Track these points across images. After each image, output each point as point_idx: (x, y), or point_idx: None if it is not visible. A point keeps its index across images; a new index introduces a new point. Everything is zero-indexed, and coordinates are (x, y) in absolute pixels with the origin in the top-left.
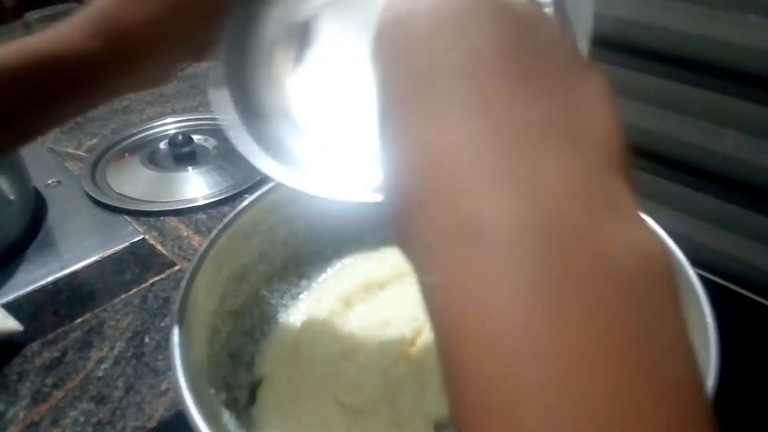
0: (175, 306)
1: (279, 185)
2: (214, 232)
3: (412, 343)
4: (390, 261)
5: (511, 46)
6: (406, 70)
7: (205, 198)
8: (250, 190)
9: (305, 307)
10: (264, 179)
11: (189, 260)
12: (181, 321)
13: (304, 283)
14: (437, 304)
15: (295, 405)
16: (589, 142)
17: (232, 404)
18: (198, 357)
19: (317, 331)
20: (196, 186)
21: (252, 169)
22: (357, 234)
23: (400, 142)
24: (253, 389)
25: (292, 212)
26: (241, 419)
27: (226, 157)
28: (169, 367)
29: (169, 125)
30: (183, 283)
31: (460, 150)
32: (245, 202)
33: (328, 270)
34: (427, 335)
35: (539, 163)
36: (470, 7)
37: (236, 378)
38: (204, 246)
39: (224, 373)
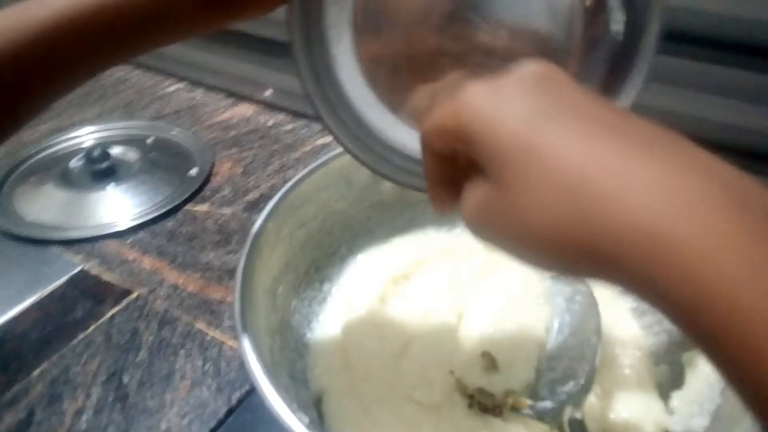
0: (242, 331)
1: (291, 189)
2: (246, 247)
3: (458, 327)
4: (404, 250)
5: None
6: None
7: (138, 216)
8: (188, 202)
9: (337, 311)
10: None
11: (144, 285)
12: (253, 345)
13: (326, 286)
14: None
15: (367, 414)
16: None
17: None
18: (274, 381)
19: (361, 334)
20: (122, 204)
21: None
22: (366, 228)
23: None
24: (317, 406)
25: (306, 214)
26: None
27: (152, 171)
28: (163, 404)
29: (77, 139)
30: (238, 306)
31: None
32: (265, 211)
33: (347, 269)
34: (469, 316)
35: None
36: (542, 75)
37: (301, 398)
38: (242, 265)
39: (295, 397)
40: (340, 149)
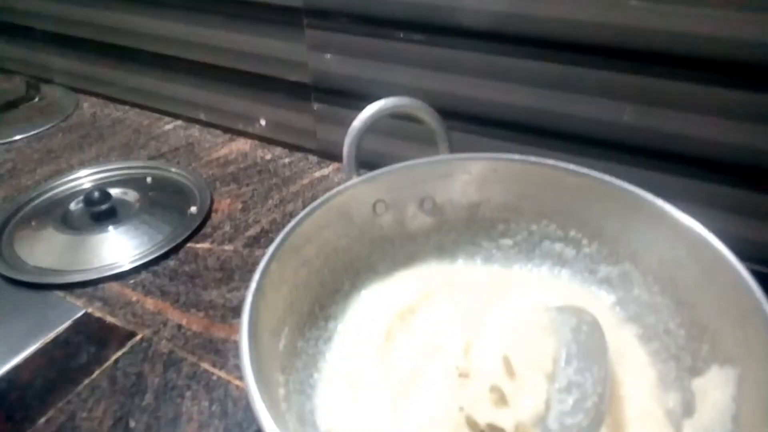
0: (250, 378)
1: (293, 229)
2: (250, 291)
3: (466, 361)
4: (407, 283)
5: None
6: None
7: (139, 256)
8: (189, 240)
9: (344, 349)
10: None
11: (148, 326)
12: (261, 391)
13: (331, 324)
14: None
15: None
16: None
17: None
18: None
19: (368, 372)
20: (123, 245)
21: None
22: (368, 264)
23: None
24: None
25: (308, 253)
26: None
27: (151, 210)
28: None
29: (77, 181)
30: (244, 350)
31: None
32: (269, 252)
33: (351, 306)
34: (476, 349)
35: None
36: None
37: None
38: (247, 308)
39: None
40: (340, 186)
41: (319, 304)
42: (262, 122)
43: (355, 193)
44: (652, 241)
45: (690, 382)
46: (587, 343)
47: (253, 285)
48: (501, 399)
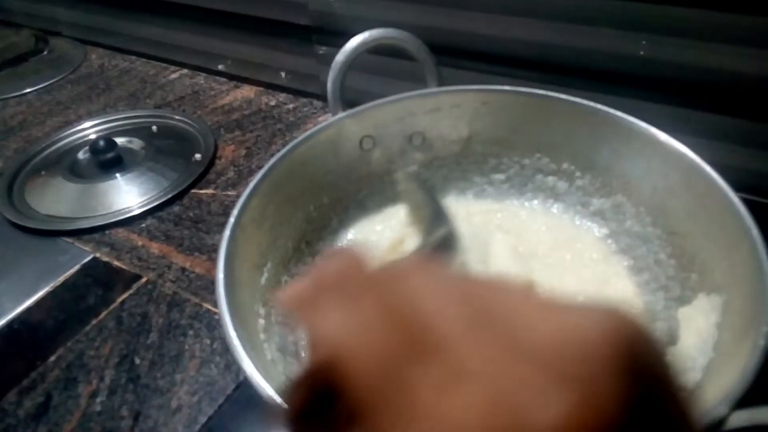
0: (224, 310)
1: (274, 165)
2: (229, 225)
3: None
4: (392, 216)
5: None
6: None
7: (145, 203)
8: (193, 186)
9: None
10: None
11: (153, 269)
12: (234, 320)
13: (318, 260)
14: None
15: None
16: None
17: None
18: (260, 358)
19: None
20: (130, 192)
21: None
22: (357, 200)
23: None
24: None
25: (293, 189)
26: None
27: (157, 158)
28: (173, 383)
29: (84, 132)
30: (220, 282)
31: None
32: (249, 188)
33: (340, 242)
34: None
35: None
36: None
37: (292, 371)
38: (225, 241)
39: (283, 369)
40: (324, 122)
41: (306, 240)
42: (269, 69)
43: (340, 129)
44: (644, 171)
45: (676, 312)
46: None
47: (231, 220)
48: None
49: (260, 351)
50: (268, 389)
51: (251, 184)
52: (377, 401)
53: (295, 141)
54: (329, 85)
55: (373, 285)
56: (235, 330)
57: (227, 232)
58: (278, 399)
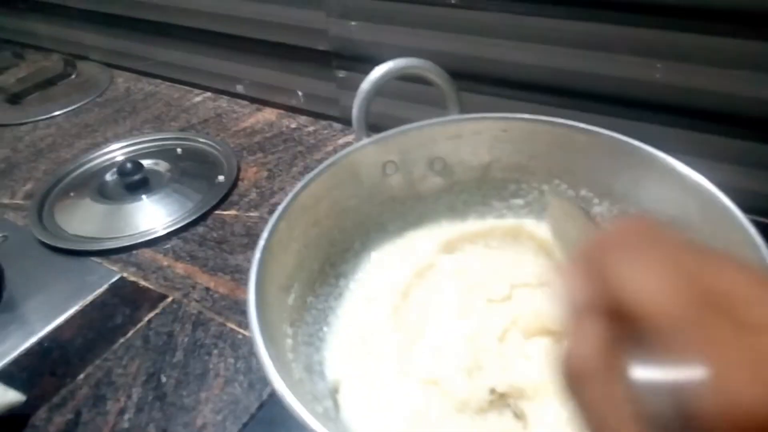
0: (256, 330)
1: (302, 189)
2: (259, 248)
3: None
4: (418, 244)
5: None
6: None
7: (170, 224)
8: (216, 208)
9: (355, 306)
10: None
11: (178, 289)
12: (265, 339)
13: (342, 282)
14: None
15: (381, 401)
16: None
17: (325, 416)
18: (289, 377)
19: (380, 324)
20: (155, 213)
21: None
22: (379, 224)
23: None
24: (334, 396)
25: (319, 213)
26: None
27: (181, 180)
28: (198, 401)
29: (111, 154)
30: (252, 304)
31: None
32: (277, 213)
33: (362, 265)
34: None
35: None
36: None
37: (318, 389)
38: (255, 263)
39: (310, 389)
40: (349, 147)
41: (330, 262)
42: (290, 92)
43: (364, 154)
44: (662, 199)
45: None
46: None
47: (261, 242)
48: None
49: (289, 370)
50: (298, 407)
51: (280, 207)
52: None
53: (322, 166)
54: (354, 112)
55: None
56: (267, 349)
57: (257, 255)
58: (308, 418)
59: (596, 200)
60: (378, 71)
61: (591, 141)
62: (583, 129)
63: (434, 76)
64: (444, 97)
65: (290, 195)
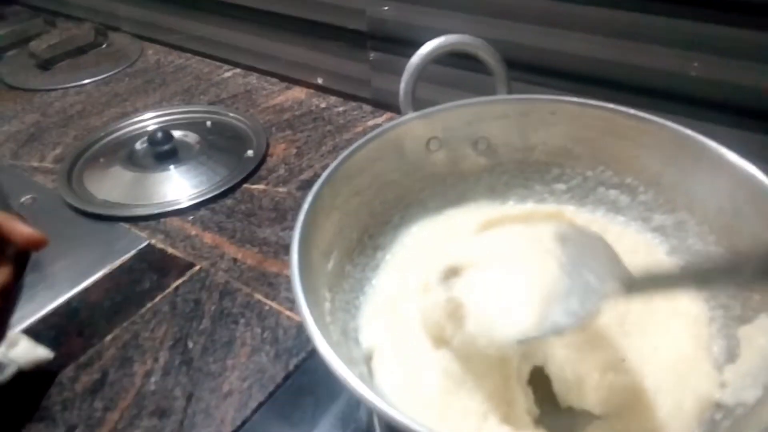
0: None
1: (347, 157)
2: (303, 210)
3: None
4: (457, 223)
5: None
6: None
7: (198, 195)
8: (245, 181)
9: (392, 277)
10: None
11: (206, 258)
12: (307, 298)
13: (379, 254)
14: None
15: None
16: None
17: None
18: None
19: (415, 298)
20: (183, 183)
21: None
22: (419, 199)
23: None
24: (368, 363)
25: (361, 183)
26: None
27: (210, 152)
28: (225, 368)
29: (141, 123)
30: (295, 263)
31: None
32: (322, 177)
33: (400, 238)
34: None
35: None
36: None
37: (353, 355)
38: (299, 226)
39: (346, 352)
40: (395, 120)
41: (369, 233)
42: (321, 72)
43: (409, 128)
44: (711, 190)
45: (736, 330)
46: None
47: (305, 206)
48: None
49: (328, 332)
50: (339, 364)
51: (324, 174)
52: None
53: (368, 136)
54: (402, 85)
55: None
56: (308, 306)
57: (302, 217)
58: (349, 376)
59: (642, 189)
60: (429, 46)
61: (640, 128)
62: (633, 115)
63: (486, 55)
64: (494, 79)
65: (335, 162)
